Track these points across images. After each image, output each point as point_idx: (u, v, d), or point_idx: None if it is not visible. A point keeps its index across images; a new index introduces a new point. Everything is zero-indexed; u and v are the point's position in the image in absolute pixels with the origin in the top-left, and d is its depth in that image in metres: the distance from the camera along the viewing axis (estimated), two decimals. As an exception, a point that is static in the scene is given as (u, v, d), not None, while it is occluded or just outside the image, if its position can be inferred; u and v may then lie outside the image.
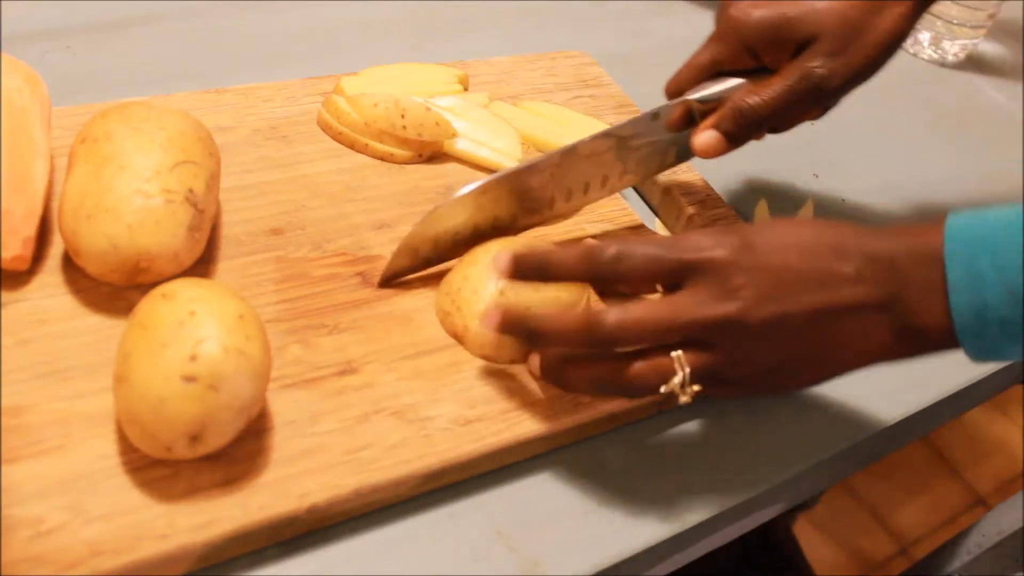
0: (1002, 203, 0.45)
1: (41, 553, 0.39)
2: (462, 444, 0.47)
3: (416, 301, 0.53)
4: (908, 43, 0.94)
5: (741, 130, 0.57)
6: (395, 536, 0.45)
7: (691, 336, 0.45)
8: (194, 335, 0.40)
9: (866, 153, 0.79)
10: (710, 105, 0.58)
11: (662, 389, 0.45)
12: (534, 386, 0.51)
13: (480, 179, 0.53)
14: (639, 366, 0.45)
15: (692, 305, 0.45)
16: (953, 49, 0.93)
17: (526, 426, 0.49)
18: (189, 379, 0.40)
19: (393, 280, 0.54)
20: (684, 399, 0.45)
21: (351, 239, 0.56)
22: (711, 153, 0.57)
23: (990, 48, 0.97)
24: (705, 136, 0.57)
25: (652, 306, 0.45)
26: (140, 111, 0.50)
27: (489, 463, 0.48)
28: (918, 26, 0.91)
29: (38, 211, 0.49)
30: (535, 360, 0.49)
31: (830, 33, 0.55)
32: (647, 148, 0.59)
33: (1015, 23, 1.00)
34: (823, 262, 0.45)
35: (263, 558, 0.43)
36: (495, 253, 0.49)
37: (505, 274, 0.48)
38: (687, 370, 0.45)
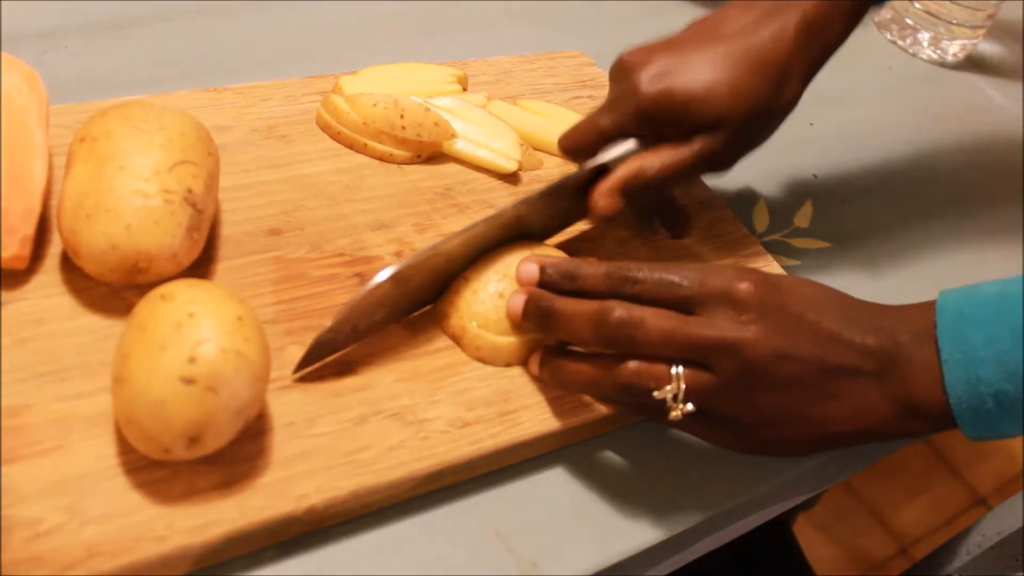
0: (993, 280, 0.46)
1: (39, 554, 0.39)
2: (460, 446, 0.47)
3: (415, 301, 0.53)
4: (908, 43, 0.94)
5: (640, 192, 0.55)
6: (394, 537, 0.45)
7: (693, 354, 0.45)
8: (193, 337, 0.40)
9: (866, 153, 0.79)
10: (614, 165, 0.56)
11: (655, 394, 0.45)
12: (532, 388, 0.51)
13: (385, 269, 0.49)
14: (635, 366, 0.46)
15: (701, 324, 0.45)
16: (953, 49, 0.93)
17: (524, 428, 0.49)
18: (187, 381, 0.40)
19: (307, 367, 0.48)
20: (675, 414, 0.45)
21: (350, 239, 0.56)
22: (610, 213, 0.56)
23: (990, 48, 0.97)
24: (608, 200, 0.55)
25: (662, 313, 0.46)
26: (139, 110, 0.50)
27: (487, 465, 0.48)
28: (918, 26, 0.92)
29: (37, 210, 0.49)
30: (536, 360, 0.50)
31: (735, 121, 0.54)
32: (553, 214, 0.57)
33: (1015, 23, 1.00)
34: (835, 323, 0.46)
35: (261, 559, 0.43)
36: (518, 263, 0.50)
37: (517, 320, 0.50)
38: (683, 385, 0.45)
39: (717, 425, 0.48)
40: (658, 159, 0.55)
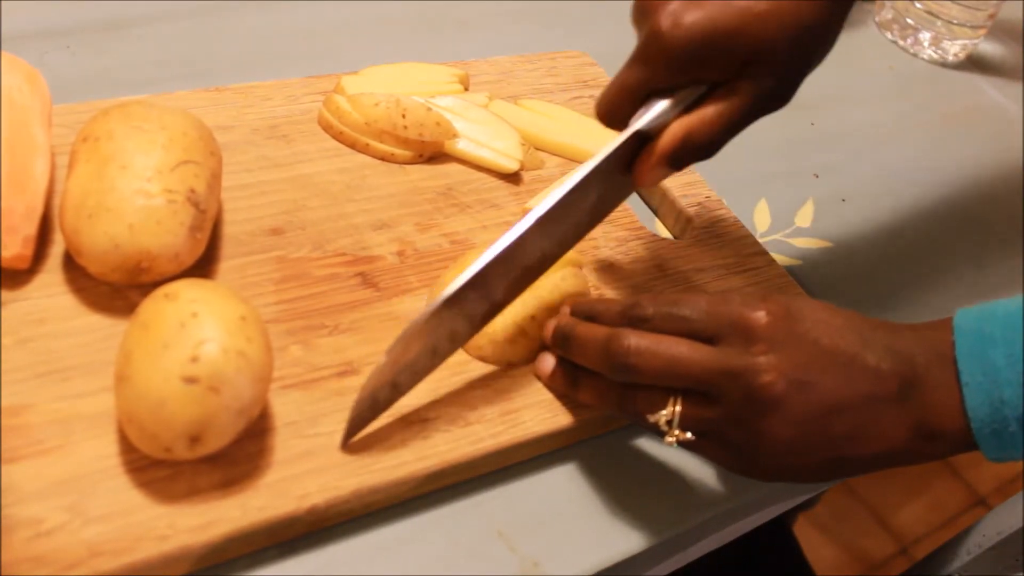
0: (1010, 298, 0.44)
1: (41, 553, 0.39)
2: (461, 446, 0.47)
3: (416, 302, 0.53)
4: (909, 43, 0.94)
5: (691, 159, 0.50)
6: (395, 536, 0.45)
7: (695, 384, 0.44)
8: (195, 336, 0.40)
9: (866, 153, 0.79)
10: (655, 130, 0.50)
11: (649, 418, 0.45)
12: (534, 388, 0.51)
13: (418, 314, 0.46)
14: (633, 391, 0.46)
15: (706, 353, 0.44)
16: (953, 49, 0.93)
17: (526, 428, 0.49)
18: (190, 380, 0.40)
19: (356, 434, 0.46)
20: (670, 439, 0.45)
21: (351, 239, 0.56)
22: (655, 183, 0.51)
23: (990, 48, 0.97)
24: (656, 174, 0.50)
25: (674, 342, 0.45)
26: (142, 110, 0.50)
27: (489, 464, 0.48)
28: (919, 26, 0.92)
29: (39, 209, 0.49)
30: (544, 362, 0.50)
31: (781, 46, 0.47)
32: (598, 199, 0.52)
33: (1015, 23, 1.00)
34: (851, 348, 0.44)
35: (263, 559, 0.43)
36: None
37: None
38: (678, 410, 0.45)
39: (725, 452, 0.46)
40: (706, 120, 0.48)
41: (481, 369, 0.51)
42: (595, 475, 0.50)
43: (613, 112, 0.51)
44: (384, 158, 0.61)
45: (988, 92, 0.91)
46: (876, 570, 1.47)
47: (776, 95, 0.49)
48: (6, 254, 0.47)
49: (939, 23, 0.91)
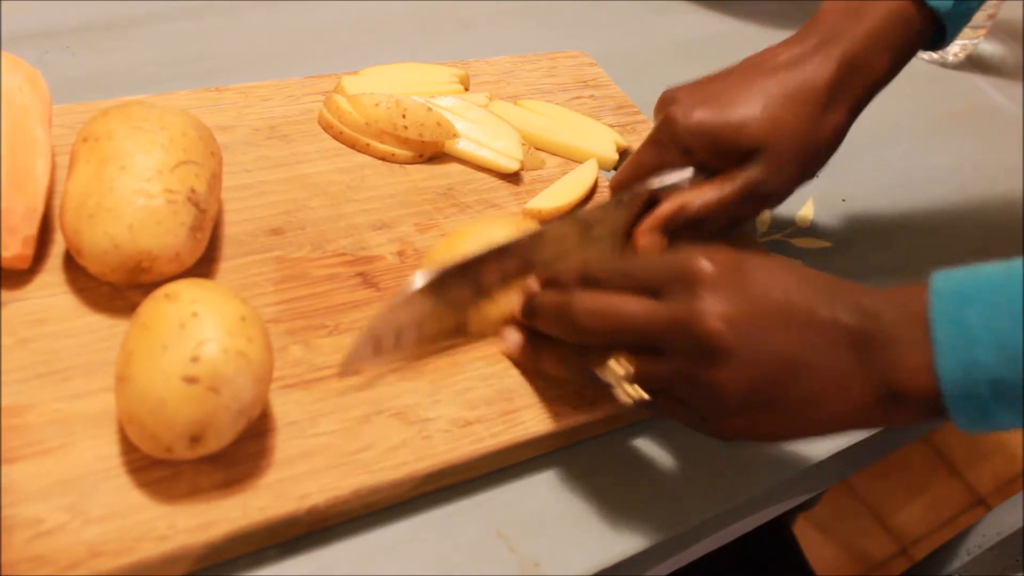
0: (994, 260, 0.43)
1: (41, 553, 0.39)
2: (462, 446, 0.47)
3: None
4: (908, 43, 0.94)
5: (682, 229, 0.55)
6: (395, 537, 0.46)
7: (647, 338, 0.44)
8: (196, 336, 0.40)
9: (866, 153, 0.79)
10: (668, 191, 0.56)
11: (604, 378, 0.46)
12: (534, 388, 0.51)
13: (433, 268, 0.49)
14: (585, 351, 0.47)
15: (657, 305, 0.44)
16: (953, 49, 0.93)
17: (526, 428, 0.49)
18: (190, 380, 0.40)
19: (352, 369, 0.49)
20: (625, 399, 0.45)
21: (351, 239, 0.56)
22: (649, 248, 0.55)
23: (990, 48, 0.97)
24: (650, 238, 0.55)
25: (622, 299, 0.45)
26: (142, 110, 0.50)
27: (489, 464, 0.48)
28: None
29: (39, 210, 0.49)
30: (509, 335, 0.51)
31: (775, 148, 0.53)
32: (607, 234, 0.56)
33: (1015, 23, 1.00)
34: (806, 301, 0.43)
35: (263, 559, 0.43)
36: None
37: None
38: (630, 369, 0.45)
39: (683, 410, 0.45)
40: (702, 194, 0.54)
41: (481, 369, 0.51)
42: (595, 475, 0.50)
43: (624, 183, 0.58)
44: (384, 158, 0.61)
45: (988, 92, 0.91)
46: (876, 570, 1.47)
47: (769, 190, 0.55)
48: (6, 254, 0.47)
49: (939, 23, 0.91)
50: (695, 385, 0.43)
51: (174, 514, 0.41)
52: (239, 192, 0.56)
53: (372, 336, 0.49)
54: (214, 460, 0.43)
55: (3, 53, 0.52)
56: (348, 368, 0.49)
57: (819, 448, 0.55)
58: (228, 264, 0.52)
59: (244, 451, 0.44)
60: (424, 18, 0.80)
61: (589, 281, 0.47)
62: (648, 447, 0.52)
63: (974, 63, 0.95)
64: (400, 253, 0.56)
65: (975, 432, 0.43)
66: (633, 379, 0.45)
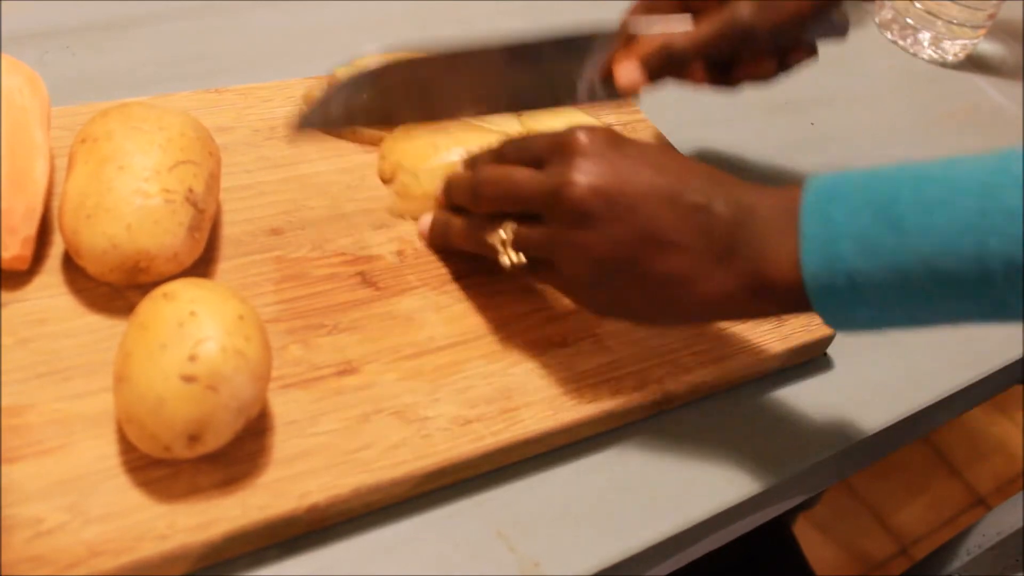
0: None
1: (41, 553, 0.39)
2: (461, 444, 0.47)
3: (416, 301, 0.53)
4: (908, 43, 0.94)
5: (665, 68, 0.55)
6: (395, 536, 0.46)
7: (527, 204, 0.47)
8: (194, 335, 0.40)
9: (866, 153, 0.79)
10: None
11: (487, 239, 0.49)
12: (534, 386, 0.51)
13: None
14: (471, 217, 0.51)
15: (537, 173, 0.47)
16: (953, 49, 0.93)
17: (526, 426, 0.49)
18: (188, 379, 0.40)
19: (304, 128, 0.55)
20: (504, 260, 0.48)
21: (351, 239, 0.56)
22: (631, 88, 0.55)
23: (990, 48, 0.97)
24: (629, 69, 0.55)
25: (513, 169, 0.49)
26: (140, 111, 0.50)
27: (489, 463, 0.48)
28: (918, 26, 0.92)
29: (38, 210, 0.49)
30: (423, 220, 0.55)
31: None
32: (556, 75, 0.57)
33: (1015, 23, 1.00)
34: (679, 185, 0.45)
35: (263, 558, 0.43)
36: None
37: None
38: (510, 233, 0.48)
39: (558, 278, 0.49)
40: (687, 31, 0.54)
41: (481, 367, 0.51)
42: (595, 475, 0.50)
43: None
44: (384, 158, 0.61)
45: (988, 92, 0.91)
46: (876, 570, 1.47)
47: (748, 28, 0.54)
48: (6, 255, 0.47)
49: (939, 23, 0.91)
50: (564, 249, 0.46)
51: (174, 513, 0.41)
52: (239, 192, 0.56)
53: (323, 103, 0.54)
54: (213, 459, 0.43)
55: (3, 55, 0.52)
56: (298, 128, 0.54)
57: (819, 448, 0.55)
58: (228, 264, 0.52)
59: (243, 450, 0.44)
60: (424, 18, 0.80)
61: (497, 155, 0.51)
62: (647, 447, 0.52)
63: (974, 63, 0.95)
64: (400, 253, 0.56)
65: (841, 330, 0.45)
66: (512, 243, 0.48)
